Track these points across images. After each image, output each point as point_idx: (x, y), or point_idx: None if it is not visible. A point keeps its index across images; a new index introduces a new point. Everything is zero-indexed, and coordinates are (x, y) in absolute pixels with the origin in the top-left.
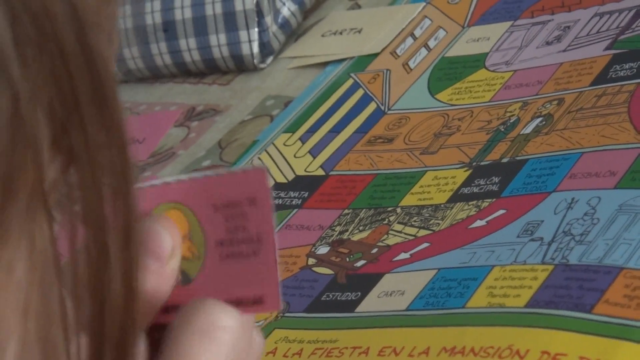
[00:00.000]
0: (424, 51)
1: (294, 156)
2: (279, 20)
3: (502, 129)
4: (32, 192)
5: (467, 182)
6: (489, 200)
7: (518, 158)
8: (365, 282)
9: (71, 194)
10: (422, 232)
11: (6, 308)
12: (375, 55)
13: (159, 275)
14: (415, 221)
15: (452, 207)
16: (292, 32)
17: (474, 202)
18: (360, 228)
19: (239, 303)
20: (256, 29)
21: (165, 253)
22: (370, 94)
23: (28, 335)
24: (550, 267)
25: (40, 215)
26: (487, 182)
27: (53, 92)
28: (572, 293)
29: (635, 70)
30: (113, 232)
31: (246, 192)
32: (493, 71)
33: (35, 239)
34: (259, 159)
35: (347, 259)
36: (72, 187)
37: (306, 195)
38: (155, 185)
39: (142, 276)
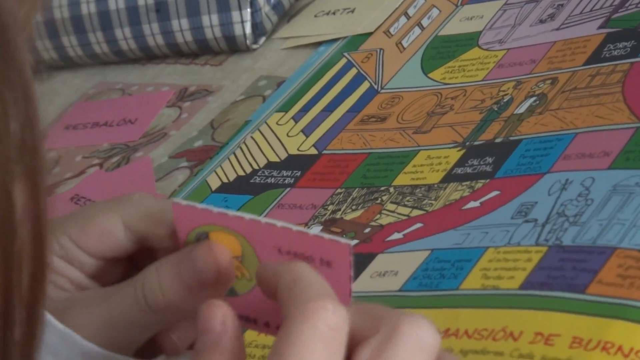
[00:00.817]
0: (417, 30)
1: (287, 135)
2: (272, 0)
3: (496, 109)
4: None
5: (461, 162)
6: (483, 181)
7: (512, 138)
8: (358, 262)
9: None
10: (415, 212)
11: None
12: (369, 34)
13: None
14: (408, 201)
15: (445, 188)
16: (285, 13)
17: (468, 182)
18: (353, 207)
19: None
20: (249, 10)
21: (209, 279)
22: (364, 73)
23: None
24: (544, 249)
25: None
26: (481, 163)
27: None
28: (565, 274)
29: (629, 49)
30: (20, 181)
31: (322, 254)
32: (486, 50)
33: None
34: (252, 138)
35: None
36: None
37: (299, 174)
38: (196, 207)
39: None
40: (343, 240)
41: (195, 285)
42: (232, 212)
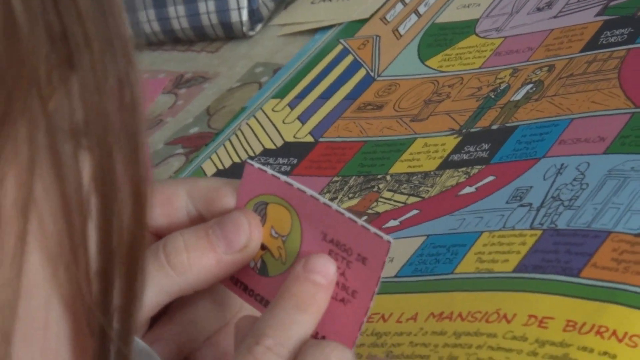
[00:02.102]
0: (414, 17)
1: (283, 122)
2: None
3: (492, 96)
4: (28, 95)
5: (457, 149)
6: (479, 166)
7: (508, 125)
8: None
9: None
10: (412, 199)
11: (5, 200)
12: (365, 21)
13: (220, 259)
14: (404, 188)
15: (441, 174)
16: (282, 0)
17: (464, 169)
18: (350, 195)
19: None
20: None
21: (236, 245)
22: (360, 60)
23: (27, 233)
24: (539, 232)
25: (36, 109)
26: (477, 149)
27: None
28: (560, 257)
29: (625, 36)
30: (119, 139)
31: (362, 248)
32: (483, 38)
33: (35, 132)
34: (247, 124)
35: None
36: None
37: (295, 162)
38: (267, 172)
39: (206, 253)
40: (385, 236)
41: (222, 248)
42: (297, 185)
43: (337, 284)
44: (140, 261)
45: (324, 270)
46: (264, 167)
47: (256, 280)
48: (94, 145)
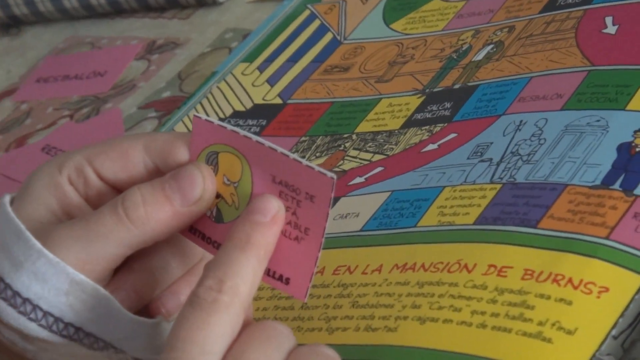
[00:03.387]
0: None
1: (252, 85)
2: None
3: (455, 57)
4: None
5: (421, 108)
6: (441, 124)
7: (469, 84)
8: None
9: None
10: (377, 157)
11: None
12: None
13: (176, 211)
14: (370, 147)
15: (405, 133)
16: None
17: (427, 127)
18: (317, 154)
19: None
20: None
21: (191, 198)
22: (327, 25)
23: None
24: (498, 186)
25: None
26: (440, 108)
27: None
28: (518, 210)
29: None
30: None
31: (309, 186)
32: (446, 1)
33: None
34: (218, 87)
35: None
36: None
37: (264, 123)
38: (214, 123)
39: (163, 207)
40: (329, 173)
41: (178, 201)
42: (243, 132)
43: (290, 223)
44: None
45: (264, 208)
46: (211, 119)
47: (213, 228)
48: None
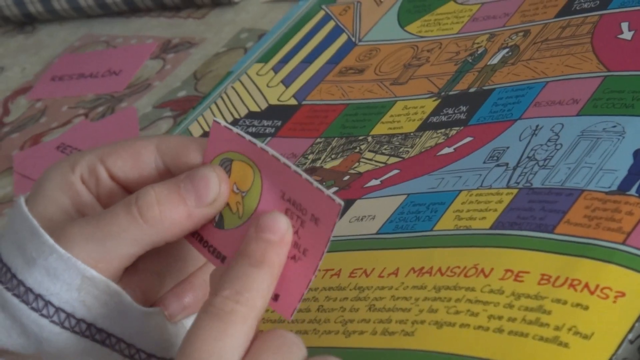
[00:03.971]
0: None
1: (267, 86)
2: None
3: (470, 60)
4: None
5: (436, 112)
6: (457, 128)
7: (485, 88)
8: None
9: None
10: (392, 160)
11: None
12: None
13: (190, 212)
14: (385, 149)
15: (421, 136)
16: None
17: (442, 130)
18: (333, 156)
19: None
20: None
21: (206, 199)
22: (342, 26)
23: None
24: (515, 191)
25: None
26: (455, 111)
27: None
28: (535, 214)
29: (598, 2)
30: None
31: (315, 209)
32: (461, 4)
33: None
34: (233, 88)
35: None
36: None
37: (279, 124)
38: (232, 131)
39: (177, 206)
40: (337, 199)
41: (192, 201)
42: (260, 144)
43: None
44: None
45: (274, 227)
46: (230, 126)
47: (212, 233)
48: None
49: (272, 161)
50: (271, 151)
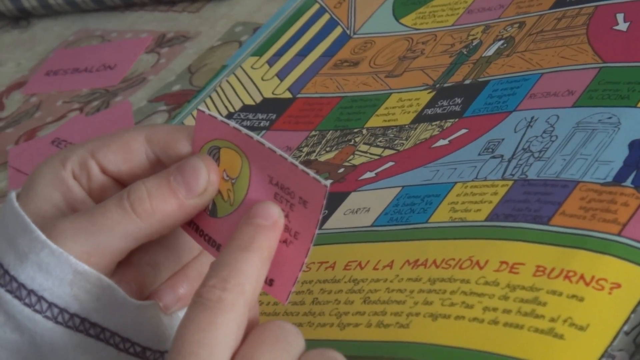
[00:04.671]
0: None
1: (262, 79)
2: None
3: (465, 52)
4: None
5: (431, 104)
6: (452, 120)
7: (480, 79)
8: (333, 201)
9: None
10: (387, 152)
11: None
12: None
13: (182, 204)
14: (380, 141)
15: (416, 128)
16: None
17: (437, 122)
18: (327, 149)
19: None
20: None
21: (196, 190)
22: (336, 19)
23: None
24: (510, 183)
25: None
26: (450, 103)
27: None
28: (530, 206)
29: None
30: None
31: (303, 191)
32: None
33: None
34: (227, 81)
35: None
36: None
37: (274, 117)
38: (216, 119)
39: (168, 199)
40: (323, 181)
41: (183, 193)
42: (245, 130)
43: None
44: None
45: (265, 213)
46: (214, 114)
47: (207, 221)
48: None
49: (257, 147)
50: (256, 137)
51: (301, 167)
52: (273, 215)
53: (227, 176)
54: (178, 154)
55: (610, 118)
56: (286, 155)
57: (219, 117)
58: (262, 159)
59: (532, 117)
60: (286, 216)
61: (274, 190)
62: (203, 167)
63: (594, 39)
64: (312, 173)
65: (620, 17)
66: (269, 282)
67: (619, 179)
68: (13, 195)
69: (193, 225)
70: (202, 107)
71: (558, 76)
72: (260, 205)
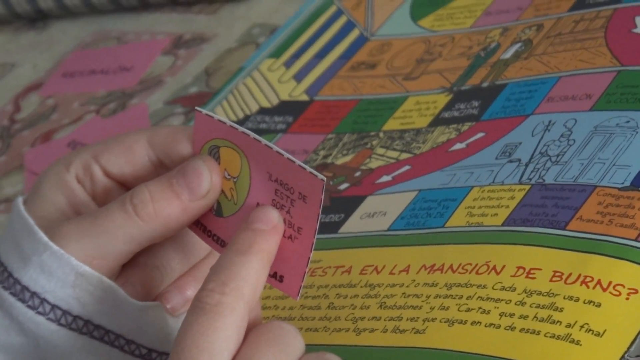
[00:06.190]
0: None
1: (279, 81)
2: None
3: (482, 55)
4: None
5: (448, 107)
6: (469, 123)
7: (497, 82)
8: (349, 204)
9: None
10: (404, 156)
11: None
12: None
13: (185, 207)
14: (397, 145)
15: (433, 131)
16: None
17: (454, 125)
18: (344, 152)
19: None
20: None
21: (199, 192)
22: (354, 21)
23: None
24: (527, 187)
25: None
26: (467, 107)
27: None
28: (547, 211)
29: None
30: None
31: (301, 186)
32: None
33: None
34: (244, 83)
35: (331, 183)
36: None
37: (291, 119)
38: (213, 118)
39: (171, 202)
40: (320, 175)
41: (186, 196)
42: (241, 128)
43: (285, 221)
44: None
45: (265, 218)
46: (211, 114)
47: (213, 221)
48: None
49: (254, 144)
50: (252, 134)
51: (298, 162)
52: (272, 220)
53: (229, 175)
54: (179, 155)
55: (628, 122)
56: (282, 151)
57: (216, 116)
58: (260, 156)
59: (550, 121)
60: (288, 212)
61: (274, 187)
62: (205, 169)
63: (612, 42)
64: (308, 168)
65: (639, 20)
66: (280, 278)
67: (636, 184)
68: (20, 199)
69: (200, 225)
70: (198, 108)
71: (576, 79)
72: (259, 210)
